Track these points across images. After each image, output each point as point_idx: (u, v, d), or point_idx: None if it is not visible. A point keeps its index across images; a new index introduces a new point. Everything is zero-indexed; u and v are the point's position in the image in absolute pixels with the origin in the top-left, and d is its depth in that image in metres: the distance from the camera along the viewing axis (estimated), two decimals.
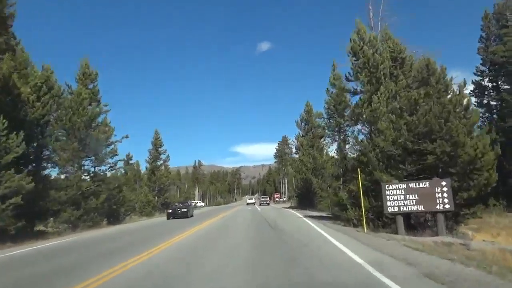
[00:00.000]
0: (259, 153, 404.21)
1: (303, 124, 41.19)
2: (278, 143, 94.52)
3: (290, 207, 46.79)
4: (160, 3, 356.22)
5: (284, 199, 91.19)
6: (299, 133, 41.08)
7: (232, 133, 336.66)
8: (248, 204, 79.27)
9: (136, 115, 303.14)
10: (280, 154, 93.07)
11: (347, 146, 30.07)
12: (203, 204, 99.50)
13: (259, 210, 39.93)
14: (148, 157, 48.28)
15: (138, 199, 41.00)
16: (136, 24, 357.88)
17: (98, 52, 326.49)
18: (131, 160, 55.93)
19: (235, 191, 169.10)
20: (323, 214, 26.57)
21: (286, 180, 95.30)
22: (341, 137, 30.31)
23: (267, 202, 78.54)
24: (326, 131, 32.08)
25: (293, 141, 41.44)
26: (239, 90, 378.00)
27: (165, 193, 53.77)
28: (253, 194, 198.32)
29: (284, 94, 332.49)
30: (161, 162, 49.43)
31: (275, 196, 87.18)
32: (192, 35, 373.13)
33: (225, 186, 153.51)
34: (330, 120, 30.54)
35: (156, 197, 47.98)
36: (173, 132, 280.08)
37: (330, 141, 31.74)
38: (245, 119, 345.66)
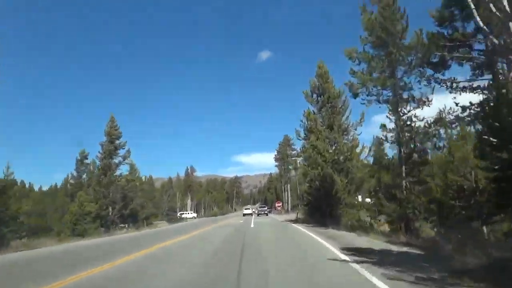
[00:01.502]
0: (261, 162, 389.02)
1: (314, 95, 26.81)
2: (279, 144, 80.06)
3: (296, 221, 32.23)
4: (157, 11, 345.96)
5: (288, 208, 76.36)
6: (308, 109, 26.69)
7: (233, 142, 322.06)
8: (244, 215, 65.14)
9: (135, 127, 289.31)
10: (282, 157, 78.45)
11: (409, 108, 15.77)
12: (195, 215, 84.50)
13: (251, 226, 25.38)
14: (99, 152, 33.93)
15: (68, 211, 26.58)
16: (132, 32, 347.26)
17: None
18: (86, 159, 41.78)
19: (234, 201, 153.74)
20: (378, 242, 12.11)
21: (289, 187, 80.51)
22: (397, 92, 16.02)
23: (266, 212, 64.41)
24: (360, 94, 17.58)
25: (301, 122, 26.54)
26: (239, 99, 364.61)
27: (130, 202, 39.29)
28: (254, 203, 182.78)
29: (285, 102, 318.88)
30: (119, 160, 34.93)
31: (277, 205, 72.33)
32: (192, 43, 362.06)
33: (222, 195, 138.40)
34: (372, 64, 16.32)
35: (111, 208, 33.46)
36: (172, 142, 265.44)
37: (366, 106, 17.26)
38: (246, 128, 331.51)
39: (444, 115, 14.72)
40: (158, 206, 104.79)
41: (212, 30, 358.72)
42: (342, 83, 22.69)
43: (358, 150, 25.04)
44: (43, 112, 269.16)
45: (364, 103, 17.13)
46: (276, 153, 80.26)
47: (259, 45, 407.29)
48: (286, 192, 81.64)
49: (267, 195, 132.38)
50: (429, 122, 15.18)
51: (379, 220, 22.63)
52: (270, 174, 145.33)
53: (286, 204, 79.39)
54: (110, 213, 33.22)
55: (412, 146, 15.21)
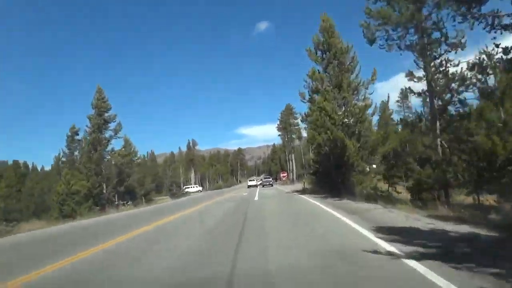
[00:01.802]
0: (264, 133, 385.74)
1: (319, 53, 23.52)
2: (281, 113, 76.91)
3: (304, 191, 29.81)
4: None
5: (293, 178, 74.33)
6: (313, 68, 23.45)
7: (235, 115, 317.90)
8: (249, 186, 63.24)
9: (133, 98, 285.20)
10: (284, 126, 75.53)
11: (440, 51, 12.75)
12: (200, 188, 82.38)
13: (256, 199, 22.97)
14: (87, 126, 31.16)
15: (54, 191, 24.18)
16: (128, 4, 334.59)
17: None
18: (76, 135, 39.17)
19: (238, 173, 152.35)
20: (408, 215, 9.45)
21: (293, 157, 78.17)
22: (425, 31, 12.92)
23: (271, 182, 62.57)
24: (377, 39, 14.39)
25: (305, 83, 23.52)
26: (240, 71, 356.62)
27: (127, 179, 37.01)
28: (259, 174, 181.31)
29: (286, 73, 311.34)
30: (110, 134, 32.25)
31: (282, 175, 70.19)
32: (189, 17, 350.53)
33: (226, 167, 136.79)
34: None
35: (105, 185, 31.13)
36: (174, 117, 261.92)
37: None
38: (248, 100, 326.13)
39: (483, 58, 11.72)
40: (161, 181, 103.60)
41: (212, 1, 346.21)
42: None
43: (370, 111, 22.19)
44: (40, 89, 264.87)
45: (383, 48, 14.03)
46: (278, 123, 77.25)
47: (257, 15, 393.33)
48: (290, 162, 79.35)
49: (272, 166, 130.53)
50: (467, 66, 12.18)
51: (395, 189, 20.08)
52: (274, 144, 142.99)
53: (291, 174, 77.30)
54: (105, 191, 30.91)
55: (447, 97, 12.26)
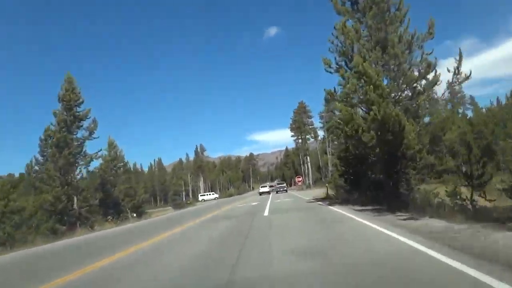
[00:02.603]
0: (277, 139, 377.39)
1: (348, 3, 16.10)
2: (294, 111, 69.49)
3: (330, 199, 22.41)
4: None
5: (309, 183, 66.59)
6: (340, 21, 15.92)
7: (246, 121, 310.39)
8: (261, 193, 56.27)
9: (140, 105, 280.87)
10: (298, 125, 68.00)
11: None
12: (216, 195, 76.04)
13: (265, 215, 15.58)
14: (52, 124, 24.32)
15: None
16: (138, 13, 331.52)
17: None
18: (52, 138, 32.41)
19: (250, 179, 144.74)
20: None
21: (308, 159, 70.41)
22: None
23: (285, 188, 55.95)
24: None
25: (331, 44, 15.92)
26: (250, 77, 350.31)
27: (111, 189, 30.17)
28: (272, 180, 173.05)
29: (297, 77, 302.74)
30: (83, 133, 25.41)
31: (297, 180, 62.45)
32: (199, 22, 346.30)
33: (238, 174, 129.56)
34: None
35: (75, 198, 24.20)
36: (183, 125, 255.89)
37: None
38: (259, 106, 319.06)
39: None
40: (169, 190, 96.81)
41: (221, 8, 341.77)
42: None
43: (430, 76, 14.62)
44: None
45: None
46: (291, 122, 69.78)
47: (267, 20, 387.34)
48: (305, 165, 71.62)
49: (285, 171, 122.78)
50: None
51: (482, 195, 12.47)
52: (286, 148, 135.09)
53: (306, 178, 69.58)
54: (75, 205, 23.97)
55: None
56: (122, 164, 31.43)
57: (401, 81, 14.37)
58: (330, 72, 16.69)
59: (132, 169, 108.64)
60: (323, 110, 65.19)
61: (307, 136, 68.93)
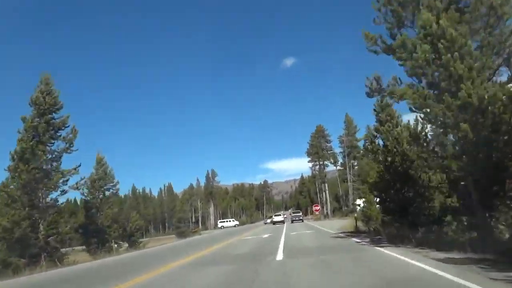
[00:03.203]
0: (291, 168, 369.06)
1: None
2: (311, 136, 64.09)
3: (362, 233, 16.76)
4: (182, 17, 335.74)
5: (327, 212, 60.03)
6: None
7: (261, 149, 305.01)
8: (274, 223, 50.62)
9: (156, 132, 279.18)
10: (316, 151, 62.39)
11: None
12: (237, 222, 74.03)
13: (279, 259, 9.99)
14: (19, 132, 19.62)
15: None
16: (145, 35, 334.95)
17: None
18: None
19: (264, 207, 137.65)
20: None
21: (326, 187, 64.18)
22: None
23: (300, 218, 50.29)
24: None
25: (379, 9, 10.65)
26: (265, 106, 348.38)
27: (97, 215, 25.19)
28: (286, 209, 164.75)
29: (312, 107, 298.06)
30: (60, 145, 20.71)
31: (315, 209, 56.01)
32: (216, 51, 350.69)
33: (251, 201, 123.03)
34: None
35: (41, 225, 19.09)
36: (196, 152, 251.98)
37: None
38: (274, 135, 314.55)
39: None
40: (181, 217, 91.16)
41: (237, 37, 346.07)
42: None
43: None
44: None
45: None
46: (308, 147, 64.21)
47: (283, 51, 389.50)
48: (323, 193, 65.24)
49: (300, 199, 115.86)
50: None
51: None
52: (302, 175, 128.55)
53: (324, 207, 63.11)
54: (41, 234, 18.86)
55: None
56: (111, 184, 26.51)
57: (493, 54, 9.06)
58: (375, 52, 11.55)
59: (141, 194, 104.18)
60: (342, 134, 59.95)
61: (325, 162, 63.06)
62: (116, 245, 24.59)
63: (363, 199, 23.21)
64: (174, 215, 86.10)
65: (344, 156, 57.25)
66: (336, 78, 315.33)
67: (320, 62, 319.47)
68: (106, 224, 24.70)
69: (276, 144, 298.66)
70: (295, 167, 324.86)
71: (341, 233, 19.43)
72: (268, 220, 65.02)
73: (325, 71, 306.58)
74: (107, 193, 26.71)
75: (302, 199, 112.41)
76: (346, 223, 30.07)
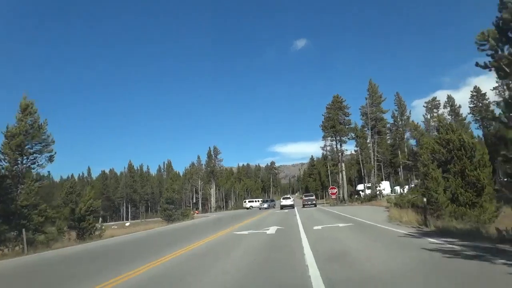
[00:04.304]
0: (298, 151, 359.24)
1: None
2: (327, 107, 54.25)
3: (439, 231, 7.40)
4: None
5: (343, 196, 50.82)
6: None
7: (269, 132, 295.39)
8: (282, 207, 41.93)
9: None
10: (333, 124, 52.56)
11: None
12: (265, 205, 52.52)
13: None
14: None
15: None
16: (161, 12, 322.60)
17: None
18: None
19: (271, 190, 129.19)
20: None
21: (343, 166, 54.65)
22: None
23: (313, 202, 41.45)
24: None
25: None
26: (275, 89, 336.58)
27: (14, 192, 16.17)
28: (293, 192, 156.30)
29: (321, 91, 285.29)
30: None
31: (331, 192, 46.76)
32: (225, 36, 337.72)
33: (257, 183, 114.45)
34: None
35: None
36: (204, 133, 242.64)
37: None
38: (282, 118, 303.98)
39: None
40: (180, 197, 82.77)
41: (246, 19, 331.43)
42: None
43: None
44: None
45: None
46: (323, 120, 54.43)
47: (295, 33, 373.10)
48: (338, 174, 55.85)
49: (309, 182, 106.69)
50: None
51: None
52: (312, 157, 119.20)
53: (340, 191, 53.78)
54: None
55: None
56: (44, 144, 17.40)
57: None
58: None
59: (137, 172, 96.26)
60: (365, 104, 50.13)
61: (343, 138, 53.34)
62: (41, 235, 15.69)
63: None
64: (163, 194, 78.01)
65: (368, 130, 47.61)
66: (344, 62, 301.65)
67: (330, 47, 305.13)
68: (25, 203, 15.69)
69: (284, 127, 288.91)
70: (302, 150, 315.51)
71: (407, 231, 10.13)
72: (265, 205, 50.60)
73: (334, 57, 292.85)
74: (40, 160, 17.63)
75: (312, 182, 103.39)
76: (378, 211, 20.97)
